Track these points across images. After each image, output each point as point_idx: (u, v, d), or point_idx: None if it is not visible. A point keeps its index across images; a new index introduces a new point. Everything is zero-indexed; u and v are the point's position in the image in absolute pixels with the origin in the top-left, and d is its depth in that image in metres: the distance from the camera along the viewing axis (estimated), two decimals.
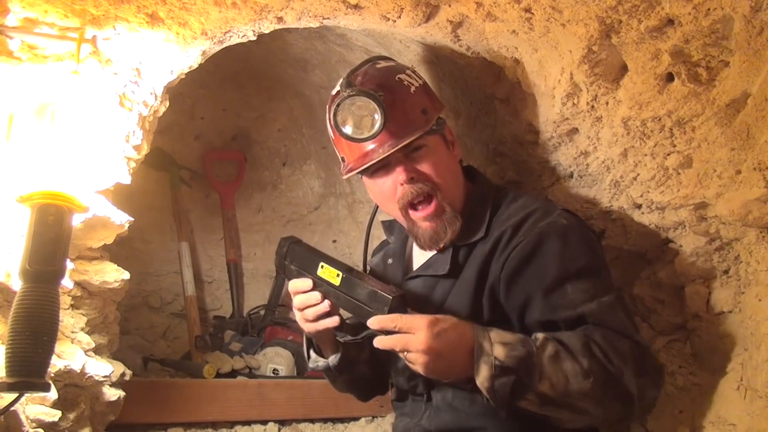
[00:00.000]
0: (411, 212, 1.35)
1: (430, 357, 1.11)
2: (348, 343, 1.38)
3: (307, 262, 1.32)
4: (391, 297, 1.17)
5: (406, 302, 1.20)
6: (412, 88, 1.35)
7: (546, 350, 1.12)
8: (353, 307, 1.23)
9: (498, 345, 1.11)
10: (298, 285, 1.31)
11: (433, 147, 1.35)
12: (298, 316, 1.34)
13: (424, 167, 1.33)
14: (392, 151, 1.29)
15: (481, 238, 1.33)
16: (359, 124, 1.28)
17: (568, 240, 1.26)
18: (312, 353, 1.49)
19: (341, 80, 1.32)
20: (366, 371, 1.52)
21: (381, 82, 1.33)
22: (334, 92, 1.39)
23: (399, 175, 1.32)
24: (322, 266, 1.29)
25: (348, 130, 1.28)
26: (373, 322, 1.16)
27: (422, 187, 1.32)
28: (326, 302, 1.28)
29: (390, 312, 1.16)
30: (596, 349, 1.13)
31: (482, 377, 1.10)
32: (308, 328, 1.35)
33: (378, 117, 1.25)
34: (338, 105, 1.26)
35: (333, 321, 1.29)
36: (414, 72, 1.41)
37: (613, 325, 1.18)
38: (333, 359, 1.44)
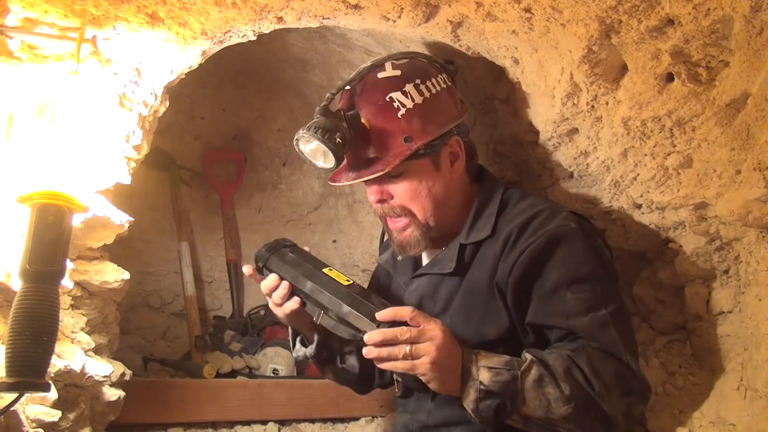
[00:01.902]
0: (386, 219, 1.40)
1: (437, 370, 1.14)
2: (326, 331, 1.44)
3: (310, 263, 1.35)
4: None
5: None
6: (402, 111, 1.29)
7: (530, 374, 1.15)
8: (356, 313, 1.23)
9: (484, 369, 1.15)
10: (269, 283, 1.36)
11: (416, 171, 1.32)
12: (272, 307, 1.39)
13: (398, 194, 1.34)
14: (350, 183, 1.35)
15: (487, 237, 1.33)
16: (314, 156, 1.34)
17: (575, 245, 1.26)
18: (297, 343, 1.51)
19: (322, 103, 1.30)
20: (353, 363, 1.53)
21: (367, 102, 1.33)
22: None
23: (371, 195, 1.37)
24: (330, 269, 1.33)
25: (309, 158, 1.35)
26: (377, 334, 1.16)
27: (393, 209, 1.36)
28: (285, 283, 1.32)
29: None
30: (578, 375, 1.15)
31: (468, 400, 1.16)
32: (279, 314, 1.38)
33: (332, 158, 1.28)
34: (296, 139, 1.31)
35: (294, 302, 1.33)
36: (418, 86, 1.31)
37: (603, 343, 1.19)
38: (310, 349, 1.46)
